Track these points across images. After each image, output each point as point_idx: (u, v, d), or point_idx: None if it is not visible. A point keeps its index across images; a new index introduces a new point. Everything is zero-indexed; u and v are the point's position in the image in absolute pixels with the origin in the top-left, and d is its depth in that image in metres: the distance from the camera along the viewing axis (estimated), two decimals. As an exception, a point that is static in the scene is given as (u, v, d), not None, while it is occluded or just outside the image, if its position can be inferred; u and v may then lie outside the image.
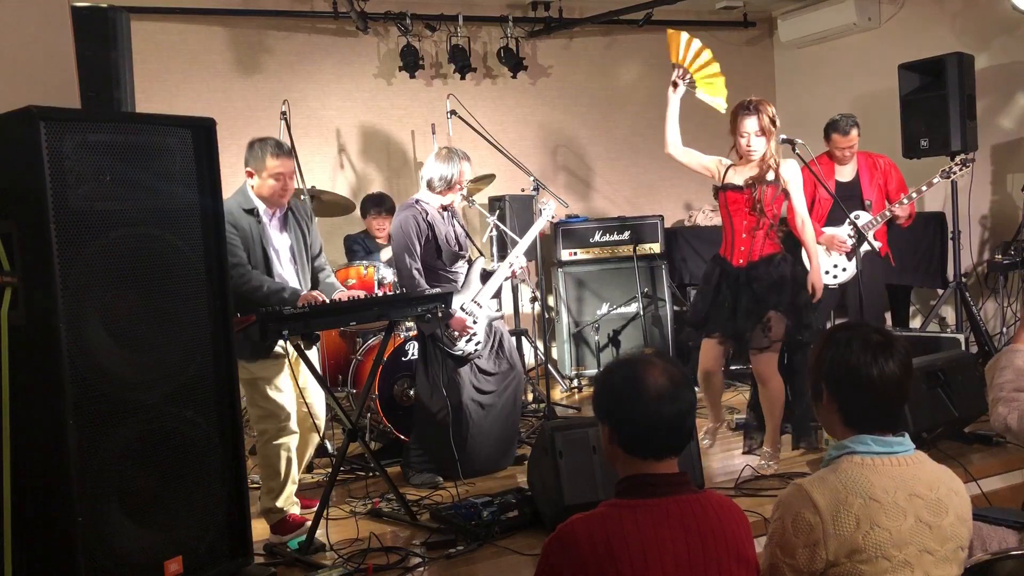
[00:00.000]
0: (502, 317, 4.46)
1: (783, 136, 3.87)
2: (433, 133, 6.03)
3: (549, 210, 4.70)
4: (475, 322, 4.20)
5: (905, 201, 4.79)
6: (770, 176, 3.85)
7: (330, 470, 3.69)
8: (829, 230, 4.78)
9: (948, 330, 5.81)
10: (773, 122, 3.80)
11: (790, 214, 4.06)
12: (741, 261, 3.90)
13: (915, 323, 6.26)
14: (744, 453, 4.25)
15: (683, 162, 4.02)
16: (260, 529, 3.44)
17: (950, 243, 5.62)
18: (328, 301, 3.60)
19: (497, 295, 4.44)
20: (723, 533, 1.78)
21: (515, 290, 6.06)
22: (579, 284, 6.29)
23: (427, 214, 4.15)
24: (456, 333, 4.12)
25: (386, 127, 6.46)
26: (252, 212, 3.59)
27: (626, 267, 6.19)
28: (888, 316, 6.25)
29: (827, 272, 4.81)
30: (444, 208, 4.24)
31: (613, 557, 1.70)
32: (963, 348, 4.73)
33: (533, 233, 4.56)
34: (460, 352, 4.16)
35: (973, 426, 4.13)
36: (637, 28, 6.92)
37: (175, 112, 3.47)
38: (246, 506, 2.90)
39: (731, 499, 1.95)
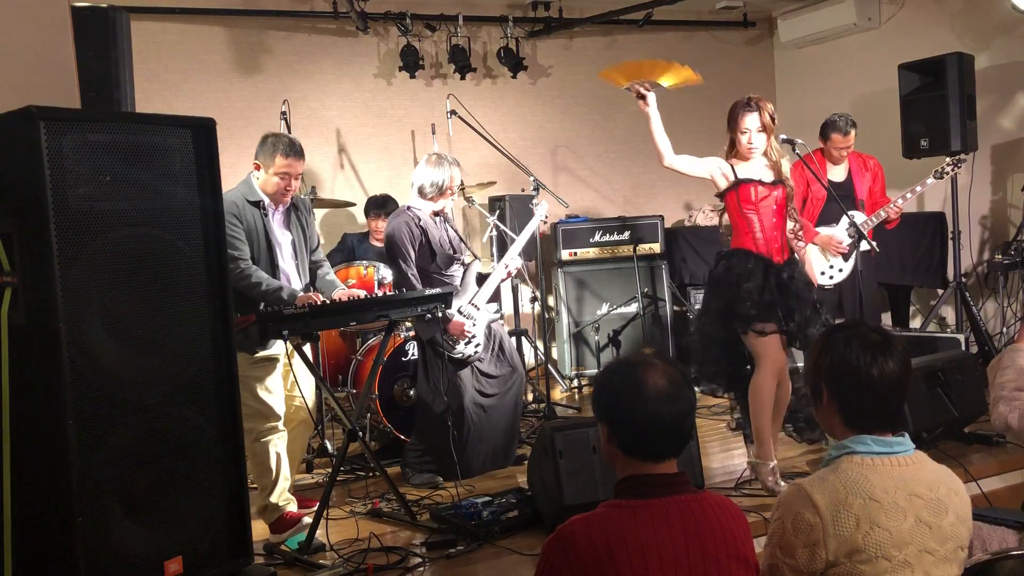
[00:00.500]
0: (501, 319, 4.46)
1: (783, 136, 3.85)
2: (433, 133, 6.03)
3: (542, 210, 4.70)
4: (474, 325, 4.20)
5: (900, 202, 4.80)
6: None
7: (330, 470, 3.68)
8: (824, 230, 4.78)
9: (948, 330, 5.81)
10: (772, 119, 3.78)
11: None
12: (779, 258, 3.75)
13: (915, 323, 6.26)
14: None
15: (683, 171, 3.83)
16: (260, 529, 3.44)
17: (950, 243, 5.62)
18: (327, 301, 3.60)
19: (496, 297, 4.43)
20: (722, 533, 1.78)
21: (515, 290, 6.06)
22: (579, 284, 6.29)
23: (419, 219, 4.14)
24: (455, 337, 4.12)
25: (386, 127, 6.46)
26: (258, 204, 3.59)
27: (626, 267, 6.19)
28: (888, 316, 6.26)
29: (822, 273, 4.81)
30: (436, 214, 4.23)
31: (612, 558, 1.70)
32: (963, 348, 4.73)
33: (527, 234, 4.54)
34: (460, 355, 4.16)
35: (973, 426, 4.13)
36: (637, 28, 6.92)
37: (175, 112, 3.48)
38: (246, 506, 2.89)
39: (730, 499, 1.95)
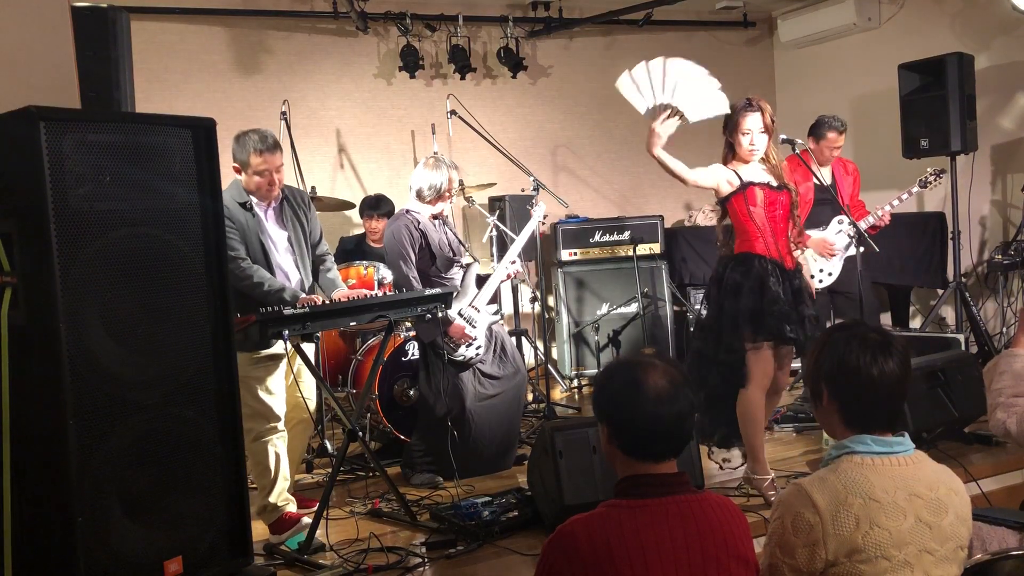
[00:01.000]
0: (501, 320, 4.46)
1: (783, 136, 3.82)
2: (433, 133, 6.03)
3: (539, 212, 4.70)
4: (474, 327, 4.20)
5: (887, 208, 4.83)
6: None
7: (330, 470, 3.68)
8: (815, 233, 4.79)
9: (948, 330, 5.81)
10: (772, 120, 3.74)
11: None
12: (790, 264, 3.65)
13: (915, 323, 6.26)
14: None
15: (703, 185, 3.64)
16: (260, 529, 3.44)
17: (950, 243, 5.62)
18: (327, 301, 3.60)
19: (496, 298, 4.43)
20: (722, 533, 1.78)
21: (515, 290, 6.06)
22: (579, 284, 6.29)
23: (418, 223, 4.14)
24: (456, 340, 4.12)
25: (386, 127, 6.46)
26: (245, 205, 3.57)
27: (626, 267, 6.19)
28: (888, 316, 6.26)
29: (812, 277, 4.81)
30: (435, 217, 4.23)
31: (612, 558, 1.70)
32: (963, 348, 4.74)
33: (525, 235, 4.54)
34: (461, 358, 4.16)
35: (973, 426, 4.13)
36: (637, 28, 6.92)
37: (175, 112, 3.48)
38: (246, 506, 2.89)
39: (730, 499, 1.95)
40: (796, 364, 4.39)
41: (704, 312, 3.76)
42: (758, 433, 3.60)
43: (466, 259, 4.46)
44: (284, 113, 5.38)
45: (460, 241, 4.40)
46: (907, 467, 1.87)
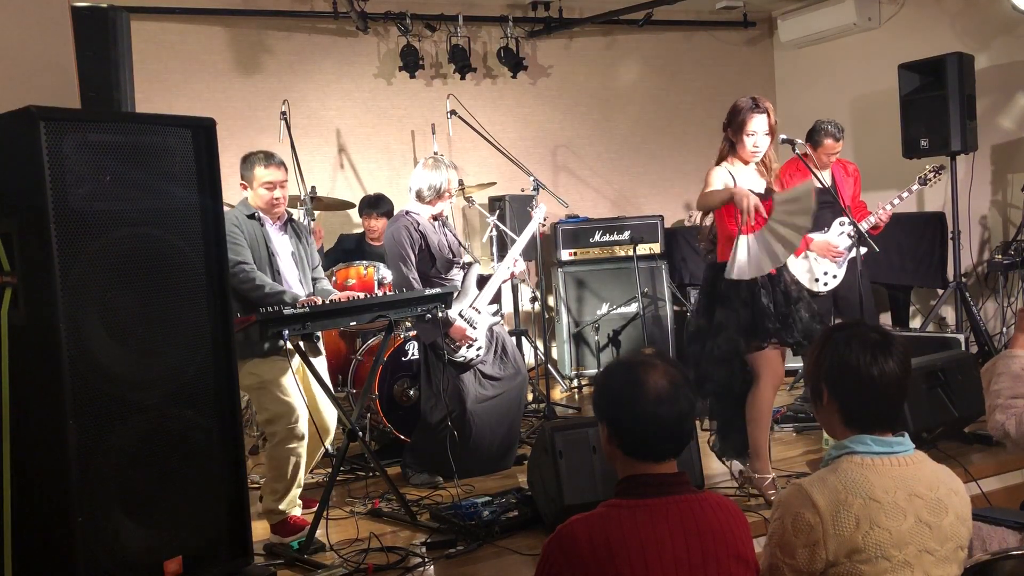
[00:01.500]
0: (501, 321, 4.46)
1: (783, 136, 3.80)
2: (433, 133, 6.03)
3: (540, 213, 4.71)
4: (475, 328, 4.20)
5: (888, 207, 4.83)
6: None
7: (330, 470, 3.69)
8: (818, 236, 4.78)
9: (948, 330, 5.81)
10: (775, 121, 3.71)
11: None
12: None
13: (915, 323, 6.26)
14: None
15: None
16: (260, 529, 3.44)
17: (950, 243, 5.62)
18: (327, 302, 3.61)
19: (496, 298, 4.43)
20: (722, 533, 1.78)
21: (515, 290, 6.06)
22: (579, 284, 6.29)
23: (418, 224, 4.14)
24: (457, 342, 4.12)
25: (386, 127, 6.46)
26: (253, 216, 3.67)
27: (626, 267, 6.19)
28: (888, 316, 6.26)
29: (816, 280, 4.80)
30: (435, 218, 4.23)
31: (612, 557, 1.70)
32: (963, 348, 4.73)
33: (526, 236, 4.54)
34: (462, 359, 4.16)
35: (973, 426, 4.13)
36: (637, 28, 6.92)
37: (175, 112, 3.48)
38: (246, 506, 2.89)
39: (730, 499, 1.95)
40: (796, 364, 4.39)
41: (697, 323, 3.68)
42: (765, 432, 3.60)
43: (466, 259, 4.47)
44: (284, 113, 5.38)
45: (460, 242, 4.40)
46: (907, 467, 1.87)
